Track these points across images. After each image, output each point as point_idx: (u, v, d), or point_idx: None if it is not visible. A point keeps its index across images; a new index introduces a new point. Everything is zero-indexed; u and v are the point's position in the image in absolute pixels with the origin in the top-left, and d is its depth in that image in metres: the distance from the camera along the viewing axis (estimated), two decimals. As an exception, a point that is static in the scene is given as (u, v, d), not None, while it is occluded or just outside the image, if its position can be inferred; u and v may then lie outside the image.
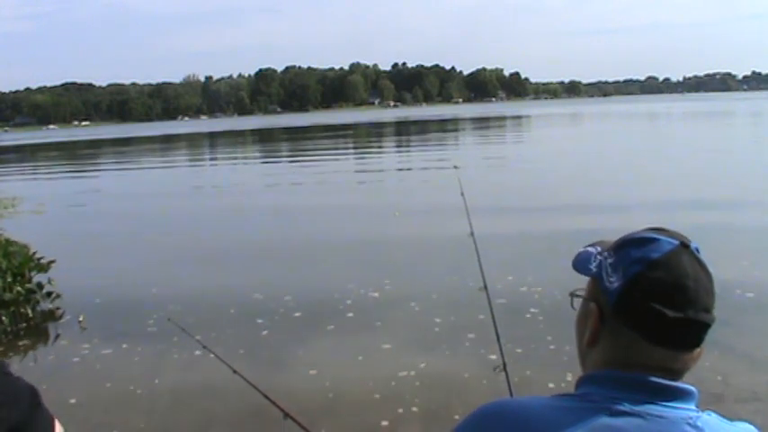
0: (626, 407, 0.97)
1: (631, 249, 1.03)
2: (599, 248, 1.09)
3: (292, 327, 6.22)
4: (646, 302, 0.98)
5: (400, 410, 4.44)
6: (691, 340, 1.00)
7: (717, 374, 4.58)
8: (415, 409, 4.47)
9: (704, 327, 1.00)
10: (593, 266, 1.07)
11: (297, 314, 6.53)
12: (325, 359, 5.42)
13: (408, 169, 22.00)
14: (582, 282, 1.12)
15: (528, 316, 6.05)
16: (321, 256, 9.22)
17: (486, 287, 3.02)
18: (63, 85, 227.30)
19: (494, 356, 5.13)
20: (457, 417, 4.19)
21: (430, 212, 12.04)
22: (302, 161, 28.55)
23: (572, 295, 1.13)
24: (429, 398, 4.60)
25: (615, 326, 1.02)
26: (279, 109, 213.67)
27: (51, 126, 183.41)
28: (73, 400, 4.89)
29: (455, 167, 5.05)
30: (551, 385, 4.57)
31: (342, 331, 6.08)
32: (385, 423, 4.30)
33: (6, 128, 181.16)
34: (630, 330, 1.00)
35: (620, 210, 11.03)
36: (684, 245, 1.02)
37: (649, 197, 12.58)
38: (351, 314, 6.48)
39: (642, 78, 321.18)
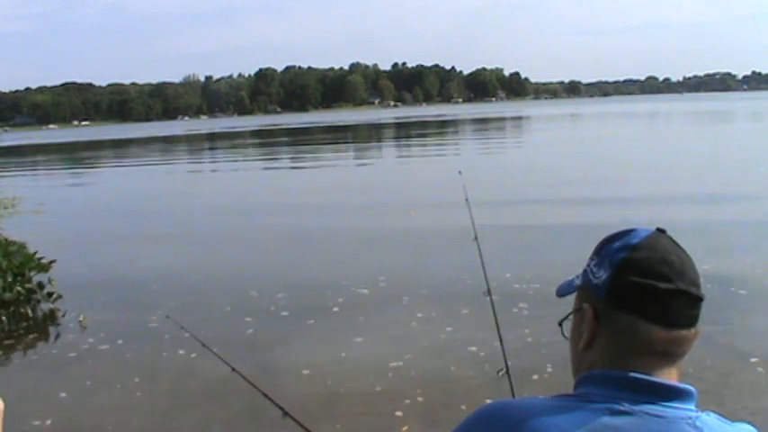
0: (626, 406, 0.97)
1: (612, 243, 1.07)
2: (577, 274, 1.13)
3: (290, 325, 6.23)
4: (636, 281, 1.01)
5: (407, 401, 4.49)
6: (686, 315, 1.02)
7: (717, 374, 4.58)
8: (420, 399, 4.52)
9: (696, 301, 1.02)
10: (577, 281, 1.11)
11: (285, 313, 6.57)
12: (322, 356, 5.42)
13: (413, 171, 21.98)
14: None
15: (515, 311, 6.10)
16: (319, 256, 9.22)
17: (489, 291, 3.07)
18: (63, 84, 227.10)
19: (473, 348, 5.27)
20: (464, 407, 4.22)
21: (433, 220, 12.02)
22: (303, 164, 28.51)
23: (561, 324, 1.16)
24: (429, 388, 4.69)
25: (611, 317, 1.03)
26: (279, 109, 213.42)
27: (51, 126, 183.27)
28: (72, 399, 4.89)
29: (459, 173, 5.15)
30: (535, 377, 4.61)
31: (337, 329, 6.10)
32: (399, 413, 4.33)
33: (6, 128, 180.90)
34: (627, 314, 1.02)
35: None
36: (660, 230, 1.07)
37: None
38: (337, 309, 6.58)
39: (642, 78, 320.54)
